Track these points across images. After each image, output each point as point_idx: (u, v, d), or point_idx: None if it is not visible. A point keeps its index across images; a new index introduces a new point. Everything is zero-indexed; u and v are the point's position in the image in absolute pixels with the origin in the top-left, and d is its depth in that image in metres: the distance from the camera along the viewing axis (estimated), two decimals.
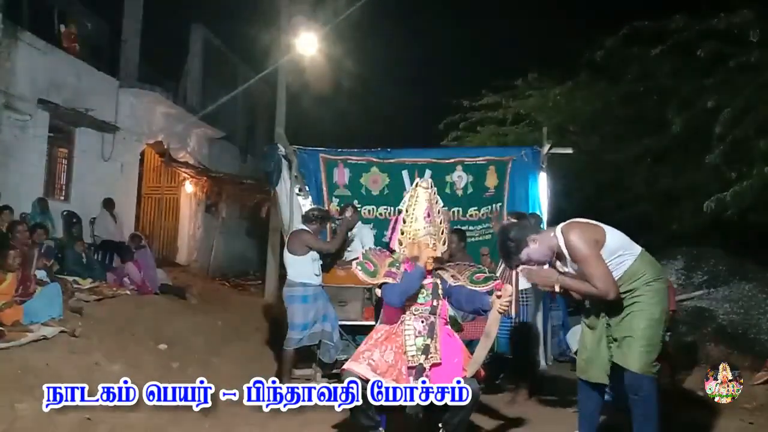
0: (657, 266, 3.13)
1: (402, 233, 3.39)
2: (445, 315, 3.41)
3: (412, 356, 3.20)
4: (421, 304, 3.34)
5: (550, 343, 6.07)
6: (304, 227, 5.32)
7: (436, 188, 3.49)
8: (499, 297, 3.16)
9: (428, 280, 3.38)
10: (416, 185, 3.46)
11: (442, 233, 3.44)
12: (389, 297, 3.30)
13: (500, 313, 3.16)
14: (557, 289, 3.08)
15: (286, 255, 5.30)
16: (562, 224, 3.14)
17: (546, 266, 3.20)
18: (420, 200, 3.38)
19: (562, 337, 6.02)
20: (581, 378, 3.21)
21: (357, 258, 3.46)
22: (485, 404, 4.24)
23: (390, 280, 3.32)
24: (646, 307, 2.98)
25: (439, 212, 3.45)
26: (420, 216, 3.35)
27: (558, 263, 3.17)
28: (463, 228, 6.21)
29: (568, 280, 3.05)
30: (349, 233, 5.82)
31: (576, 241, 2.98)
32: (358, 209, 6.15)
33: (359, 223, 5.99)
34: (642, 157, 8.87)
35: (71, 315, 5.74)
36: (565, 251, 3.05)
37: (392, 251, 3.49)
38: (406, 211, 3.42)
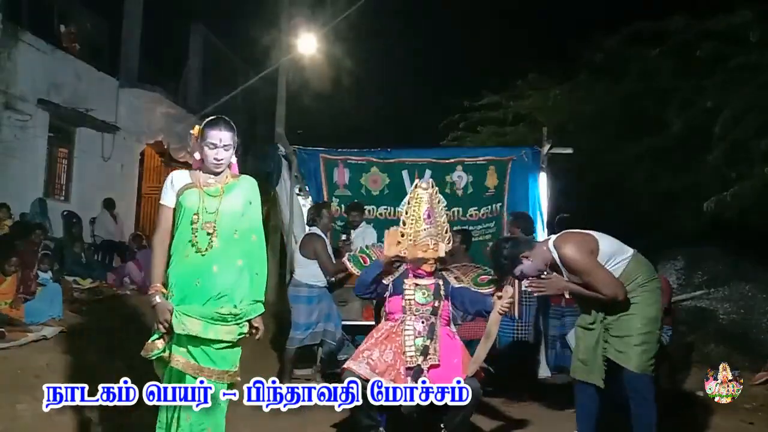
0: (650, 267, 3.14)
1: (402, 235, 3.39)
2: (446, 316, 3.41)
3: (411, 357, 3.20)
4: (422, 304, 3.33)
5: (548, 353, 5.96)
6: (317, 232, 5.29)
7: (437, 188, 3.50)
8: (499, 298, 3.17)
9: (431, 281, 3.39)
10: (416, 186, 3.46)
11: (446, 232, 3.43)
12: (355, 286, 3.54)
13: (501, 314, 3.17)
14: (566, 295, 3.09)
15: (297, 256, 5.33)
16: (553, 237, 3.16)
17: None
18: (420, 201, 3.39)
19: (559, 349, 5.86)
20: (578, 379, 3.20)
21: (351, 251, 3.50)
22: (485, 405, 4.24)
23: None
24: (641, 308, 2.99)
25: (442, 211, 3.46)
26: (420, 217, 3.36)
27: (553, 274, 3.16)
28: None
29: (575, 286, 3.06)
30: (353, 232, 5.83)
31: (571, 254, 3.00)
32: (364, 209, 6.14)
33: (363, 223, 5.98)
34: (642, 157, 8.88)
35: (71, 315, 5.74)
36: (561, 265, 3.06)
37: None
38: (406, 213, 3.42)
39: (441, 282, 3.40)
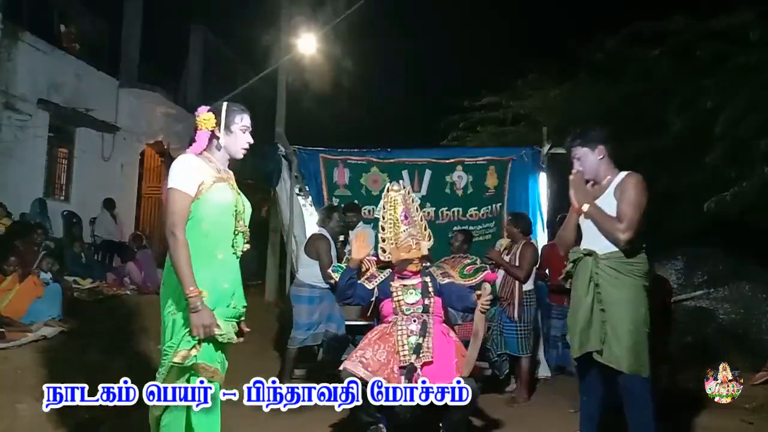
0: (648, 267, 3.13)
1: (383, 240, 3.41)
2: (439, 312, 3.42)
3: (404, 356, 3.20)
4: (411, 304, 3.35)
5: (548, 354, 5.95)
6: (324, 233, 5.28)
7: (409, 187, 3.55)
8: (479, 297, 3.17)
9: (417, 280, 3.41)
10: (387, 190, 3.47)
11: (424, 229, 3.46)
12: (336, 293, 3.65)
13: (482, 312, 3.17)
14: (585, 208, 3.08)
15: (301, 255, 5.33)
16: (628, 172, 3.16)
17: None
18: (395, 204, 3.40)
19: (561, 350, 5.84)
20: (578, 359, 3.11)
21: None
22: (485, 404, 4.24)
23: (366, 283, 3.48)
24: (629, 306, 2.96)
25: (417, 209, 3.50)
26: (398, 219, 3.38)
27: (590, 184, 3.16)
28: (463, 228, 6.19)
29: (596, 210, 3.05)
30: (350, 233, 5.82)
31: (634, 183, 3.01)
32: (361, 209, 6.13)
33: (361, 223, 5.98)
34: (642, 157, 8.87)
35: (71, 315, 5.73)
36: (613, 186, 3.05)
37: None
38: (383, 218, 3.44)
39: (428, 279, 3.42)
